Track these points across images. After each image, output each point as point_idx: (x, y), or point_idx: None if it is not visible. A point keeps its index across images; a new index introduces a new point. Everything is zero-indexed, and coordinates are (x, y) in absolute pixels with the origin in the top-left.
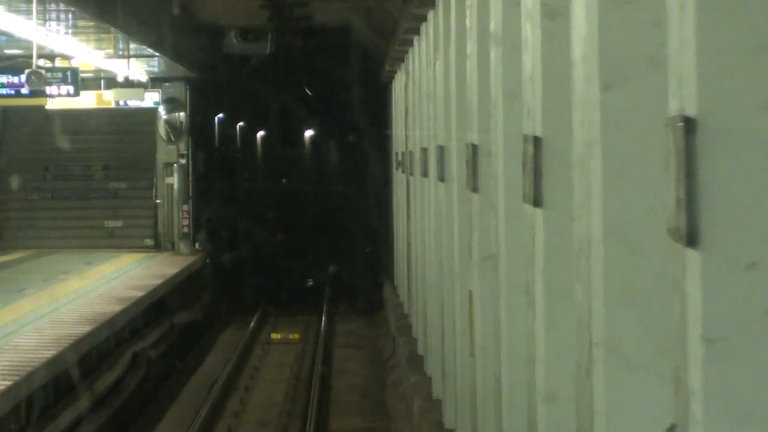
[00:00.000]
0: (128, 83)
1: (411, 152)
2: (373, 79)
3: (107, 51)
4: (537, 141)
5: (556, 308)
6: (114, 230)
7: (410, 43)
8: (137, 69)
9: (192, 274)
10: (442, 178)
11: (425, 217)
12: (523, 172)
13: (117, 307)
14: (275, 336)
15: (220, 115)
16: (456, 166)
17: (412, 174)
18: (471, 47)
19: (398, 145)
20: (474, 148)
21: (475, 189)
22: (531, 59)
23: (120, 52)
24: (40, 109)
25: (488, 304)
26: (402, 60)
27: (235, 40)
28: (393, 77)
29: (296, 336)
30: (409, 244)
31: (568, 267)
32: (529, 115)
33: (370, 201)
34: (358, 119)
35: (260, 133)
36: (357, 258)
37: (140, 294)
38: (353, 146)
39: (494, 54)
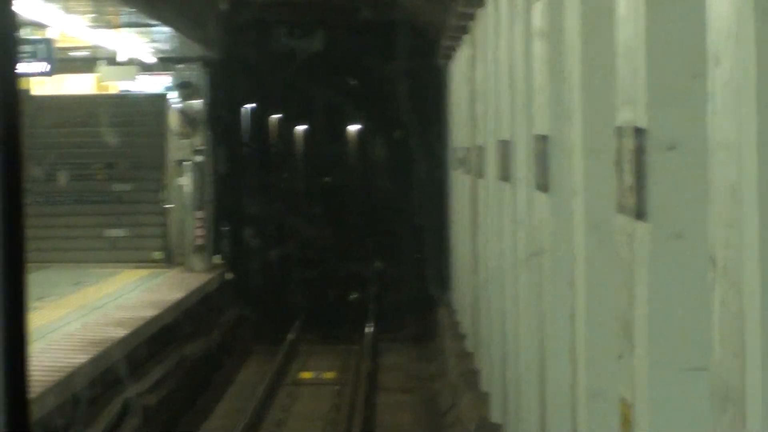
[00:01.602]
0: (129, 62)
1: (480, 147)
2: (426, 64)
3: (87, 16)
4: None
5: None
6: (117, 241)
7: (479, 2)
8: (142, 46)
9: (207, 295)
10: (544, 187)
11: (504, 241)
12: None
13: (81, 357)
14: (305, 375)
15: (251, 104)
16: (582, 170)
17: (481, 176)
18: None
19: (458, 138)
20: (640, 134)
21: (640, 214)
22: None
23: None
24: (28, 95)
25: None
26: (464, 30)
27: (283, 38)
28: (451, 55)
29: (331, 375)
30: (476, 267)
31: None
32: None
33: (421, 204)
34: (409, 110)
35: (300, 127)
36: (405, 268)
37: (121, 334)
38: (402, 141)
39: None
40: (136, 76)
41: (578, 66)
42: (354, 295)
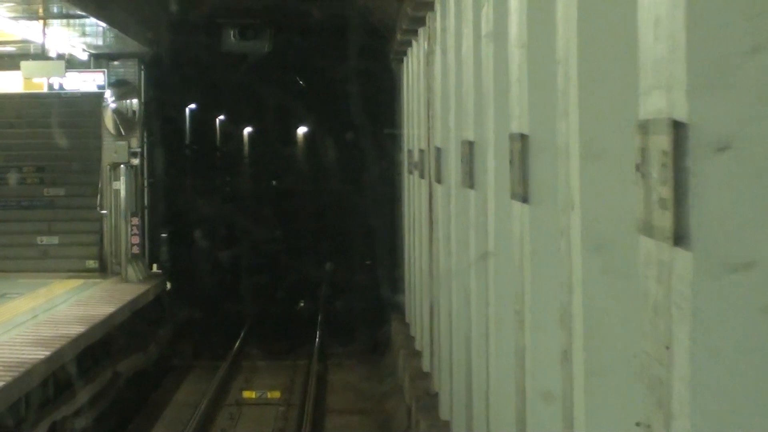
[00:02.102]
0: (58, 57)
1: (438, 149)
2: (379, 64)
3: (6, 5)
4: None
5: None
6: (48, 249)
7: None
8: (72, 40)
9: (142, 308)
10: (523, 196)
11: (469, 257)
12: None
13: None
14: (248, 394)
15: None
16: (579, 177)
17: (439, 181)
18: None
19: (413, 139)
20: (679, 130)
21: (679, 239)
22: None
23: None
24: None
25: None
26: (421, 22)
27: (233, 39)
28: (406, 53)
29: (276, 394)
30: (432, 282)
31: None
32: None
33: (372, 210)
34: (361, 111)
35: (248, 129)
36: (356, 277)
37: (42, 355)
38: (354, 144)
39: None
40: (66, 73)
41: (575, 45)
42: (301, 304)
